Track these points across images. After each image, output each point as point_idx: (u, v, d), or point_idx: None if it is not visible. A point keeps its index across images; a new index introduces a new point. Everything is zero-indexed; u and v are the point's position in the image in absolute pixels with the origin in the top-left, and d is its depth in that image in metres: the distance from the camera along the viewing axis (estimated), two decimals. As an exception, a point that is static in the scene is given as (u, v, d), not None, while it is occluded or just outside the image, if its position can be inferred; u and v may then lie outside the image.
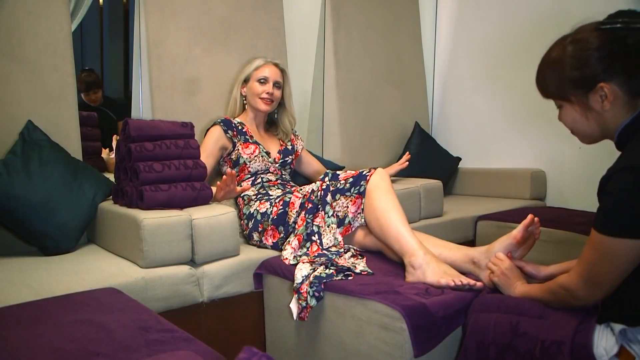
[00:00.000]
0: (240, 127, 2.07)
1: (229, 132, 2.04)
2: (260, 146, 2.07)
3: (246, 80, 2.14)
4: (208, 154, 1.99)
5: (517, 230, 1.40)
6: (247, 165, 2.03)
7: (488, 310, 1.23)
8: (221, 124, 2.05)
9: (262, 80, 2.09)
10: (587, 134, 1.12)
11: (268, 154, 2.08)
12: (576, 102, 1.09)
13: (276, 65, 2.14)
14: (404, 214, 1.57)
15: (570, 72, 1.07)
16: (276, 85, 2.10)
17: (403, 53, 3.19)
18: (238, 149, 2.03)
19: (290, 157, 2.16)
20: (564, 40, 1.10)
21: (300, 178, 2.34)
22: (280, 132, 2.21)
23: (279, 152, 2.13)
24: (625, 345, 1.02)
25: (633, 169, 0.95)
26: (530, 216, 1.38)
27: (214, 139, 2.03)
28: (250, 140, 2.06)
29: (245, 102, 2.15)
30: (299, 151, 2.24)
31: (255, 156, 2.03)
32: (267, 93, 2.07)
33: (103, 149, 2.68)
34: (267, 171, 2.07)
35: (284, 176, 2.12)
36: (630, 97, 1.04)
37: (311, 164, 2.31)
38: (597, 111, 1.06)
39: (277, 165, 2.09)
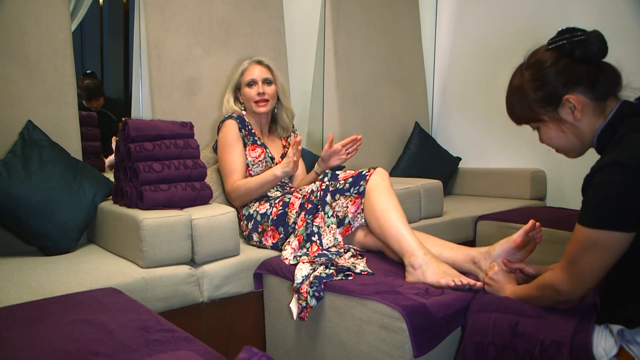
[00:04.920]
0: (249, 128, 2.05)
1: (242, 130, 2.01)
2: (267, 150, 2.05)
3: (239, 88, 2.10)
4: (240, 153, 1.96)
5: (517, 235, 1.39)
6: (249, 168, 2.01)
7: (487, 311, 1.23)
8: (237, 120, 2.00)
9: (250, 83, 2.05)
10: (569, 147, 1.16)
11: (272, 159, 2.06)
12: (549, 119, 1.14)
13: (260, 62, 2.09)
14: (404, 214, 1.57)
15: (533, 94, 1.13)
16: (266, 82, 2.05)
17: (403, 53, 3.19)
18: (245, 150, 2.02)
19: None
20: (521, 68, 1.17)
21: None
22: (280, 128, 2.17)
23: (281, 157, 2.11)
24: (624, 346, 1.03)
25: (616, 165, 0.98)
26: (531, 221, 1.37)
27: (235, 134, 1.98)
28: (257, 142, 2.04)
29: (243, 108, 2.11)
30: None
31: (259, 160, 2.02)
32: (259, 94, 2.03)
33: (105, 159, 2.67)
34: None
35: (283, 179, 2.11)
36: (598, 102, 1.10)
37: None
38: (571, 123, 1.12)
39: None
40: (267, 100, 2.04)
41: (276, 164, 2.06)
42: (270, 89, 2.06)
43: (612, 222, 0.98)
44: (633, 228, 0.98)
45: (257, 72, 2.06)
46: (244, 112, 2.08)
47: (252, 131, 2.04)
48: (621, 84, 1.11)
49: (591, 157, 1.19)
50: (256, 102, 2.03)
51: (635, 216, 0.97)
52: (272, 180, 1.88)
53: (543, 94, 1.11)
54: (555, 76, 1.10)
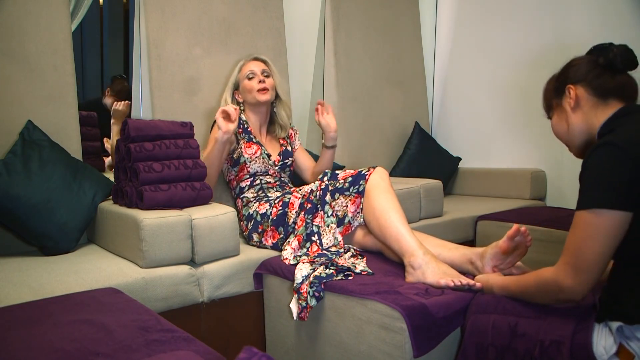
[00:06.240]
0: (245, 126, 2.06)
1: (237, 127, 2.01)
2: (263, 148, 2.05)
3: (237, 87, 2.11)
4: None
5: (502, 241, 1.40)
6: (247, 165, 2.02)
7: (486, 312, 1.23)
8: None
9: (250, 76, 2.06)
10: (563, 136, 1.25)
11: (269, 156, 2.06)
12: (555, 106, 1.25)
13: (256, 58, 2.12)
14: (404, 214, 1.57)
15: (553, 85, 1.26)
16: (265, 74, 2.08)
17: (403, 53, 3.19)
18: (241, 147, 2.02)
19: (290, 159, 2.14)
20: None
21: (298, 179, 2.32)
22: (278, 127, 2.17)
23: (279, 154, 2.11)
24: (623, 343, 1.03)
25: (606, 144, 1.01)
26: (515, 226, 1.37)
27: None
28: (253, 140, 2.04)
29: (243, 107, 2.12)
30: (296, 148, 2.22)
31: (256, 157, 2.02)
32: (260, 82, 2.05)
33: (105, 159, 2.68)
34: (266, 173, 2.06)
35: (282, 178, 2.11)
36: (599, 98, 1.15)
37: (304, 162, 2.23)
38: (567, 110, 1.21)
39: (276, 168, 2.08)
40: (268, 89, 2.06)
41: (274, 161, 2.07)
42: (269, 80, 2.08)
43: (607, 200, 0.99)
44: (629, 206, 0.99)
45: (255, 66, 2.09)
46: (242, 112, 2.09)
47: (248, 129, 2.05)
48: (635, 97, 1.15)
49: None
50: (258, 90, 2.04)
51: (629, 193, 0.98)
52: (214, 145, 1.86)
53: (557, 84, 1.24)
54: (571, 70, 1.21)
